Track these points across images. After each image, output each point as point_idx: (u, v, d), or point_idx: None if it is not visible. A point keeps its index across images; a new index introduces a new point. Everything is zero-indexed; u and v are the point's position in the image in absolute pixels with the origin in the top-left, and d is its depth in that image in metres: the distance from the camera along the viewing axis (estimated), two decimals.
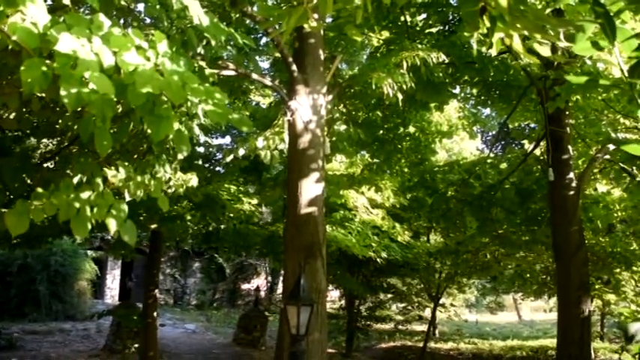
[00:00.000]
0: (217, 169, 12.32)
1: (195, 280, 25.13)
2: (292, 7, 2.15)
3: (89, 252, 18.99)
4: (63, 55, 2.51)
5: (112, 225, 3.07)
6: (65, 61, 2.53)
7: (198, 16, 2.81)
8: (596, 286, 11.43)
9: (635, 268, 10.35)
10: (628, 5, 1.73)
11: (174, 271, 24.51)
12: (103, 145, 2.71)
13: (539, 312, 27.82)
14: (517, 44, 1.75)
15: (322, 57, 6.37)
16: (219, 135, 13.20)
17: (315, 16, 3.21)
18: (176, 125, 3.09)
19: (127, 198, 3.88)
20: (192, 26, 3.66)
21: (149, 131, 3.07)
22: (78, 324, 16.34)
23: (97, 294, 20.53)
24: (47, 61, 2.65)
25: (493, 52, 1.78)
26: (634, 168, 8.64)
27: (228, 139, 13.49)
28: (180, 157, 3.97)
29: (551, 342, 14.82)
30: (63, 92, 2.43)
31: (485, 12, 1.55)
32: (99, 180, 3.49)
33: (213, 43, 3.27)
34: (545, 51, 1.77)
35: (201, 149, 11.47)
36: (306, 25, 2.41)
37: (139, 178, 3.53)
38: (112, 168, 3.60)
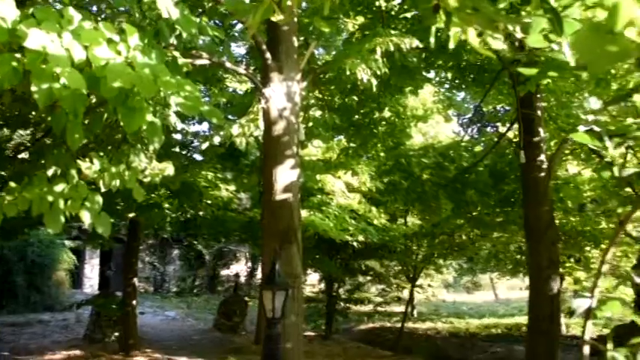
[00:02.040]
0: (194, 156, 12.32)
1: (174, 268, 25.12)
2: (257, 2, 2.20)
3: (67, 242, 18.83)
4: (33, 51, 2.53)
5: (87, 217, 3.11)
6: (35, 57, 2.54)
7: (167, 9, 2.84)
8: (567, 264, 11.73)
9: (603, 246, 10.64)
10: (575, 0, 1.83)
11: (153, 259, 24.47)
12: (75, 138, 2.74)
13: (515, 290, 28.35)
14: (472, 38, 1.83)
15: (296, 44, 6.41)
16: (196, 122, 13.14)
17: (289, 3, 3.25)
18: (149, 117, 3.12)
19: (102, 189, 3.92)
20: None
21: (121, 122, 3.11)
22: (57, 314, 16.27)
23: (75, 284, 20.41)
24: (18, 56, 2.66)
25: (451, 45, 1.88)
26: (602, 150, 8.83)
27: (205, 126, 13.45)
28: (152, 148, 4.00)
29: (526, 319, 15.16)
30: (34, 88, 2.45)
31: (439, 9, 1.63)
32: (73, 172, 3.51)
33: (185, 35, 3.30)
34: (498, 44, 1.86)
35: (178, 136, 11.42)
36: (273, 18, 2.46)
37: (113, 169, 3.56)
38: (86, 160, 3.62)
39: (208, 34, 3.57)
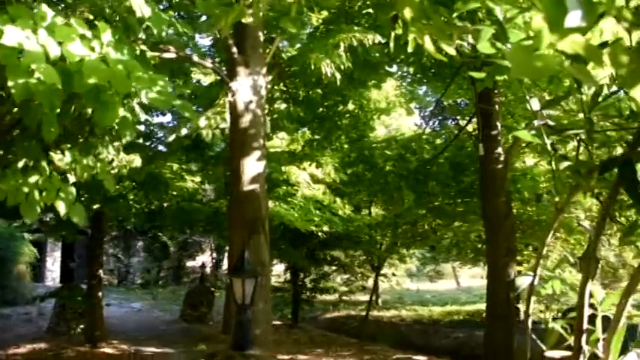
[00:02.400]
0: (159, 147, 12.29)
1: (138, 259, 24.95)
2: (229, 6, 2.33)
3: (26, 235, 18.50)
4: (8, 47, 2.60)
5: (62, 207, 3.20)
6: (10, 53, 2.62)
7: (140, 7, 2.95)
8: (525, 253, 12.17)
9: (558, 235, 11.08)
10: (520, 12, 2.02)
11: (117, 251, 24.25)
12: (51, 132, 2.83)
13: (477, 278, 28.97)
14: (428, 44, 2.02)
15: (262, 38, 6.53)
16: (159, 113, 13.06)
17: (260, 6, 3.38)
18: (121, 111, 3.22)
19: (72, 180, 3.99)
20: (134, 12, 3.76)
21: (95, 117, 3.20)
22: (19, 308, 16.01)
23: (37, 277, 20.08)
24: None
25: (409, 49, 2.08)
26: (554, 142, 9.23)
27: (169, 117, 13.40)
28: (124, 140, 4.09)
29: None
30: (10, 83, 2.54)
31: (397, 20, 1.80)
32: (44, 164, 3.59)
33: (155, 31, 3.40)
34: (451, 50, 2.05)
35: (141, 127, 11.37)
36: (244, 20, 2.59)
37: (85, 161, 3.64)
38: (58, 152, 3.69)
39: (179, 30, 3.67)
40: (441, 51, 2.12)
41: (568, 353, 2.00)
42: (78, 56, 2.76)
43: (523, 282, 1.91)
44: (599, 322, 2.15)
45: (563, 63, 1.15)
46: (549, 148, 1.80)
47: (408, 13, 1.61)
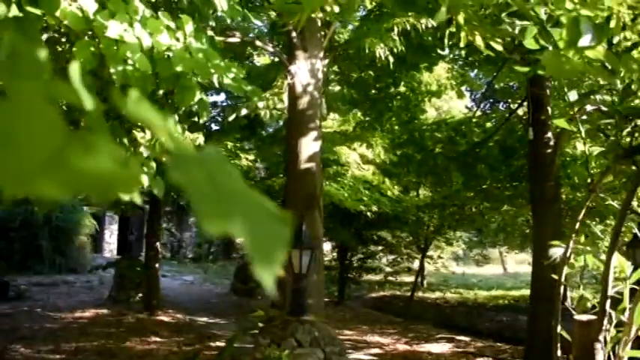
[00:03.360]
0: (212, 126, 12.80)
1: (190, 234, 25.84)
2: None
3: (86, 208, 19.48)
4: (108, 38, 3.00)
5: (145, 181, 3.62)
6: (110, 43, 3.02)
7: (220, 1, 3.29)
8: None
9: (607, 222, 11.02)
10: (565, 14, 2.29)
11: (170, 226, 25.19)
12: None
13: (524, 264, 28.71)
14: (478, 41, 2.30)
15: (319, 23, 6.83)
16: (213, 92, 13.54)
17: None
18: (198, 94, 3.60)
19: (145, 155, 4.42)
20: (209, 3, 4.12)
21: (175, 99, 3.59)
22: (81, 276, 17.03)
23: (95, 248, 21.18)
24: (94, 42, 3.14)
25: (461, 44, 2.33)
26: (609, 127, 9.22)
27: (222, 97, 13.88)
28: (202, 120, 4.48)
29: None
30: (112, 70, 2.94)
31: (452, 22, 2.09)
32: (125, 141, 4.03)
33: (229, 21, 3.74)
34: (498, 47, 2.32)
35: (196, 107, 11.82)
36: (313, 15, 2.91)
37: (163, 139, 4.04)
38: (139, 130, 4.12)
39: (252, 21, 4.01)
40: (490, 47, 2.40)
41: (595, 317, 2.26)
42: (165, 46, 3.14)
43: (556, 252, 2.17)
44: (626, 292, 2.40)
45: (587, 66, 1.42)
46: (584, 134, 2.05)
47: (461, 17, 1.89)
